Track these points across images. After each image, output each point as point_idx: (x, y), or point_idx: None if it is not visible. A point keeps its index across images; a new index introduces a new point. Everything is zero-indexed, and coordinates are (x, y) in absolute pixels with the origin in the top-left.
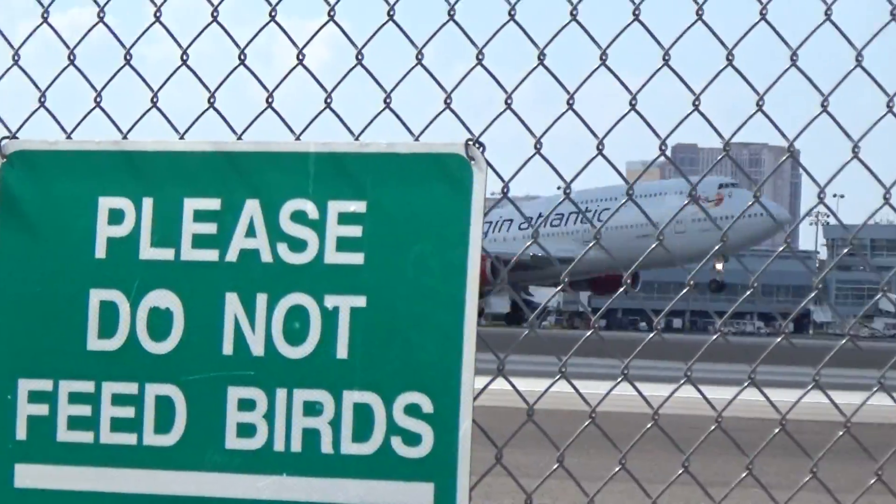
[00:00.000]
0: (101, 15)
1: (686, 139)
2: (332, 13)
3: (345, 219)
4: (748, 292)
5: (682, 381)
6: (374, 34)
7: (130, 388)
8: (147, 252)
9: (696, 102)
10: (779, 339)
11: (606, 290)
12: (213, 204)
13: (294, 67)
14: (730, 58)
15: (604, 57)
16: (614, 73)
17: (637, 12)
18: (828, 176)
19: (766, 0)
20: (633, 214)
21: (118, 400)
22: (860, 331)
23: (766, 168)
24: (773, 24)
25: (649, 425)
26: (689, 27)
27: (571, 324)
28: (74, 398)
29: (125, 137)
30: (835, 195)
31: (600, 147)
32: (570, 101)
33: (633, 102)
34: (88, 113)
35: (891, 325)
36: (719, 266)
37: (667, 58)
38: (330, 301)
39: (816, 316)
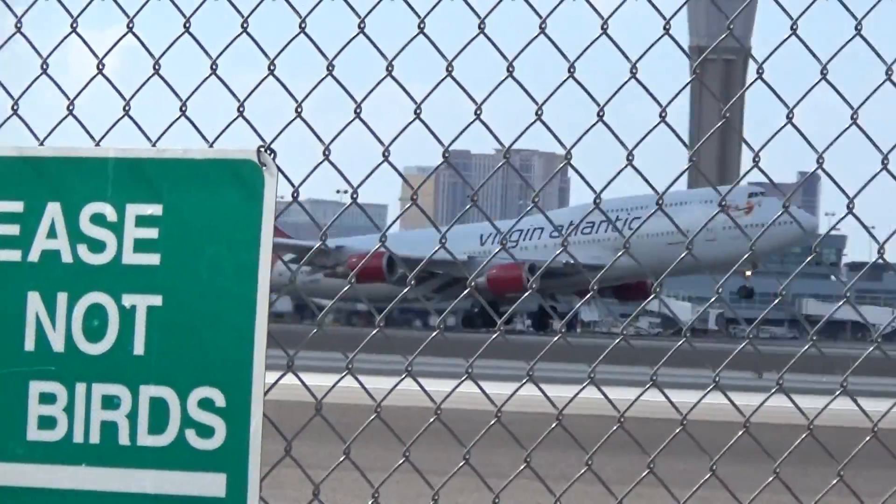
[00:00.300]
0: None
1: (459, 146)
2: (130, 25)
3: (142, 221)
4: (526, 293)
5: (463, 378)
6: (170, 45)
7: None
8: None
9: (478, 112)
10: (555, 339)
11: (632, 297)
12: (16, 206)
13: (94, 76)
14: (510, 69)
15: (390, 68)
16: (400, 84)
17: (422, 25)
18: (602, 182)
19: (546, 14)
20: (665, 223)
21: None
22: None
23: (535, 174)
24: (552, 38)
25: (432, 420)
26: (471, 39)
27: (350, 322)
28: None
29: None
30: (602, 201)
31: (386, 154)
32: (358, 111)
33: (418, 112)
34: None
35: (654, 323)
36: (749, 273)
37: (450, 69)
38: (127, 300)
39: (584, 315)
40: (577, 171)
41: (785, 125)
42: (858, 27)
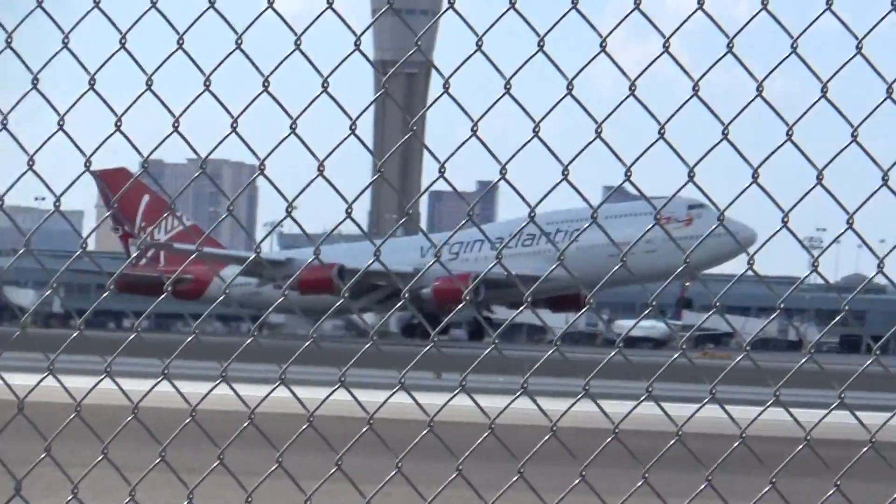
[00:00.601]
0: None
1: (154, 155)
2: None
3: None
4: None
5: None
6: None
7: None
8: None
9: (176, 124)
10: (367, 346)
11: (565, 308)
12: None
13: None
14: (207, 84)
15: (92, 82)
16: (101, 97)
17: (123, 41)
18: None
19: (242, 31)
20: (601, 235)
21: None
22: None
23: (225, 182)
24: (247, 53)
25: (129, 418)
26: (170, 55)
27: (47, 324)
28: None
29: None
30: (296, 208)
31: (88, 164)
32: (61, 122)
33: (119, 124)
34: None
35: (338, 326)
36: (688, 283)
37: (150, 83)
38: None
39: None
40: (270, 181)
41: (470, 137)
42: (541, 43)
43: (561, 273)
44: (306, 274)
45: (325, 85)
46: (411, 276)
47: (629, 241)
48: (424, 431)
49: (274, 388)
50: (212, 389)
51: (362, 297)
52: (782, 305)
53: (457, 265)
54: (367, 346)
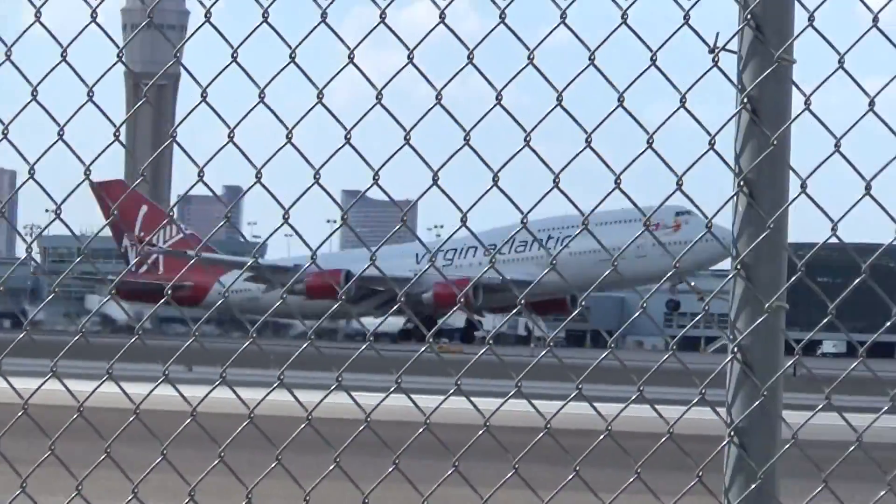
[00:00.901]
0: None
1: None
2: None
3: None
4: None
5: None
6: None
7: None
8: None
9: (61, 132)
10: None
11: (552, 311)
12: None
13: None
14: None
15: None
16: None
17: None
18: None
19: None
20: (592, 241)
21: None
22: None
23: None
24: (17, 64)
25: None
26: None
27: None
28: None
29: None
30: (61, 211)
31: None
32: None
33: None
34: None
35: (95, 322)
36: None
37: (88, 94)
38: None
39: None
40: (39, 185)
41: (227, 143)
42: (293, 55)
43: (550, 278)
44: (312, 280)
45: (91, 94)
46: (408, 282)
47: (617, 247)
48: (188, 421)
49: (45, 380)
50: (99, 387)
51: (361, 301)
52: (523, 301)
53: (451, 271)
54: (134, 339)
